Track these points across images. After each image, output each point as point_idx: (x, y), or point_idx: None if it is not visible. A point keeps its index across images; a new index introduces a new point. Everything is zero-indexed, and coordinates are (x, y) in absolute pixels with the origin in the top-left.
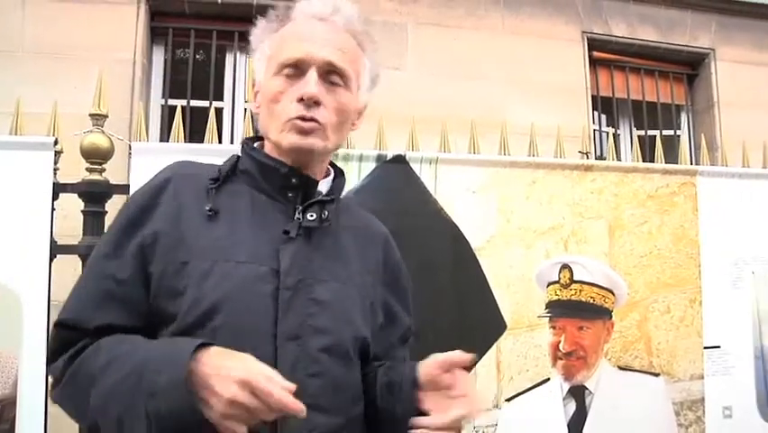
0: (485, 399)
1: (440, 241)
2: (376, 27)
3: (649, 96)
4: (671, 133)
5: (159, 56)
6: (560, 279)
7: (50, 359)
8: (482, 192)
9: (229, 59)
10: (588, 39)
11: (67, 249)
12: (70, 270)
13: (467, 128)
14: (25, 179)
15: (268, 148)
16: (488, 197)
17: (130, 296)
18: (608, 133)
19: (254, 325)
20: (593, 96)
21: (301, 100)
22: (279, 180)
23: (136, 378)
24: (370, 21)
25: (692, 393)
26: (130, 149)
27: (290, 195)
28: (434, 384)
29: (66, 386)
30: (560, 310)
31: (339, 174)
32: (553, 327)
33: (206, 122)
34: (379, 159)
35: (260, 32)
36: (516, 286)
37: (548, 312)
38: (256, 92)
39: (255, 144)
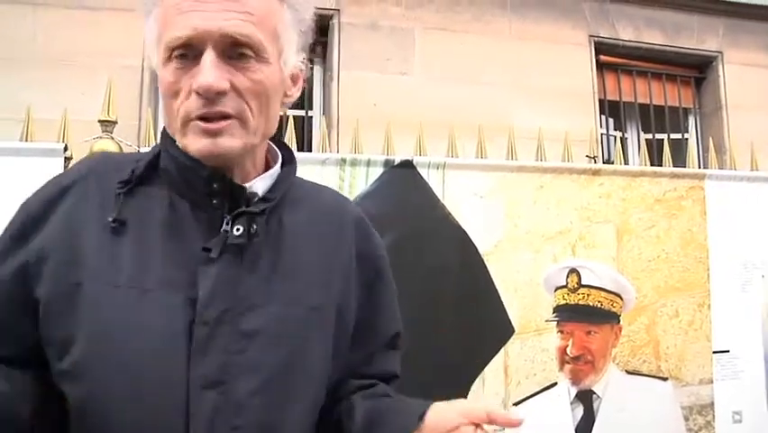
0: (493, 403)
1: (448, 246)
2: (383, 32)
3: (656, 100)
4: (678, 136)
5: None
6: (567, 283)
7: None
8: (490, 197)
9: None
10: (595, 43)
11: None
12: None
13: (474, 133)
14: (35, 185)
15: None
16: (495, 201)
17: (8, 326)
18: (615, 136)
19: (160, 371)
20: (600, 100)
21: (199, 93)
22: (201, 185)
23: None
24: (377, 26)
25: (701, 398)
26: None
27: (215, 202)
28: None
29: None
30: (567, 315)
31: (288, 161)
32: (561, 332)
33: None
34: (387, 164)
35: (146, 1)
36: (524, 290)
37: (556, 316)
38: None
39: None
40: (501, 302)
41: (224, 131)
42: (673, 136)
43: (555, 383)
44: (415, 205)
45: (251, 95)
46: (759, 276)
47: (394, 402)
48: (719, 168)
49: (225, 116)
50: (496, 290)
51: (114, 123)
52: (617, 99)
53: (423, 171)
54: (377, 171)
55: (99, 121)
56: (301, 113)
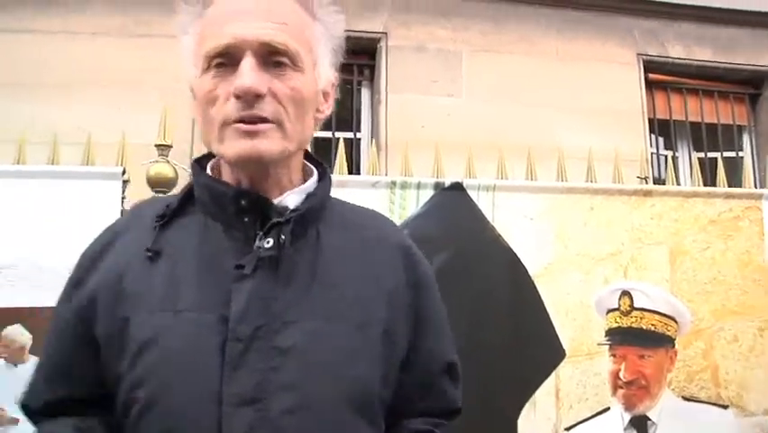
0: (543, 427)
1: (498, 268)
2: (430, 54)
3: (708, 118)
4: (732, 154)
5: None
6: (620, 306)
7: None
8: (540, 219)
9: None
10: (643, 61)
11: None
12: None
13: (523, 154)
14: (95, 207)
15: (221, 163)
16: (545, 223)
17: (75, 365)
18: (666, 156)
19: (194, 389)
20: (650, 120)
21: (238, 97)
22: (230, 204)
23: None
24: (424, 48)
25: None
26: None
27: (247, 220)
28: None
29: None
30: (620, 338)
31: (322, 177)
32: (614, 355)
33: None
34: (437, 186)
35: (183, 19)
36: (575, 313)
37: (608, 340)
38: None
39: (211, 162)
40: (552, 325)
41: (261, 133)
42: (727, 155)
43: (608, 408)
44: (465, 227)
45: (288, 100)
46: None
47: None
48: None
49: (263, 120)
50: (546, 313)
51: (170, 147)
52: (667, 118)
53: (473, 194)
54: (427, 194)
55: (156, 145)
56: (350, 135)
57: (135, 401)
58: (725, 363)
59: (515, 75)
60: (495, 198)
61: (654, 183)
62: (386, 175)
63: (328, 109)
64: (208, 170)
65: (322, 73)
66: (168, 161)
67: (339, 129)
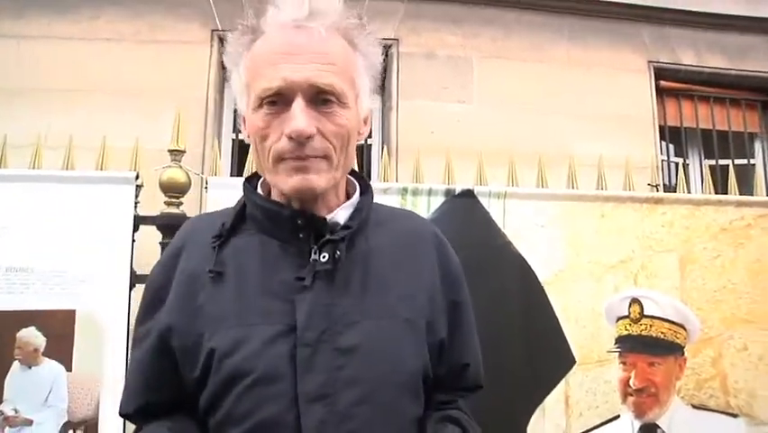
0: None
1: (508, 275)
2: (440, 61)
3: (719, 125)
4: (744, 162)
5: (230, 92)
6: (629, 313)
7: None
8: (551, 226)
9: None
10: (654, 68)
11: (146, 279)
12: None
13: (534, 161)
14: (108, 211)
15: (269, 187)
16: (556, 230)
17: (164, 377)
18: (676, 163)
19: (273, 391)
20: (661, 127)
21: (288, 137)
22: (286, 223)
23: None
24: (434, 55)
25: None
26: (205, 183)
27: (302, 236)
28: None
29: None
30: (630, 345)
31: (364, 190)
32: (623, 363)
33: None
34: (448, 193)
35: (232, 51)
36: (585, 320)
37: (618, 347)
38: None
39: (260, 181)
40: (562, 332)
41: (311, 168)
42: (738, 162)
43: (618, 416)
44: (475, 234)
45: (334, 136)
46: None
47: None
48: None
49: (314, 157)
50: (557, 320)
51: (183, 152)
52: (678, 125)
53: (484, 201)
54: (438, 200)
55: (169, 150)
56: (360, 141)
57: (220, 405)
58: (734, 372)
59: (525, 82)
60: (506, 205)
61: (665, 191)
62: (396, 181)
63: (367, 130)
64: (258, 190)
65: (363, 103)
66: (180, 167)
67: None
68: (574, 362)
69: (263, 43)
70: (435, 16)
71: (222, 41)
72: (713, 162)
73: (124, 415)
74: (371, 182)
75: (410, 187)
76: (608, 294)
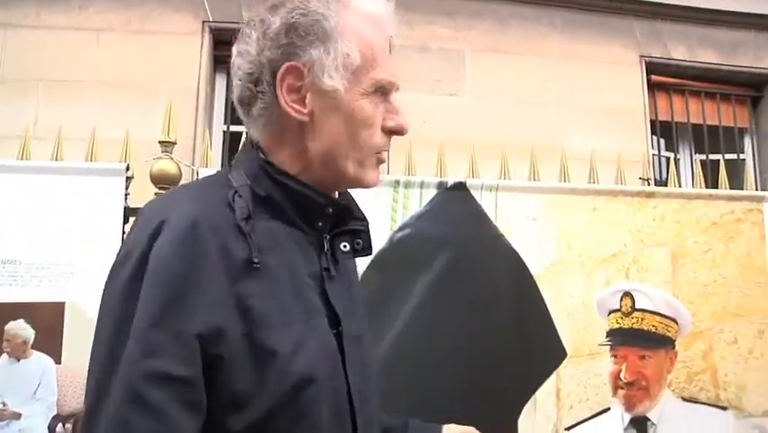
0: (544, 427)
1: (500, 268)
2: (432, 54)
3: (710, 120)
4: (734, 157)
5: (221, 83)
6: (621, 307)
7: None
8: (543, 219)
9: None
10: (646, 63)
11: None
12: None
13: (526, 154)
14: (98, 203)
15: (293, 170)
16: (548, 224)
17: (196, 396)
18: (667, 158)
19: (336, 386)
20: (652, 121)
21: (394, 133)
22: (314, 211)
23: None
24: (426, 48)
25: (767, 431)
26: (196, 174)
27: (320, 224)
28: None
29: None
30: (621, 339)
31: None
32: (614, 356)
33: None
34: (440, 186)
35: (332, 13)
36: (576, 314)
37: (609, 340)
38: (303, 95)
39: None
40: (553, 325)
41: None
42: (728, 157)
43: (608, 409)
44: (467, 227)
45: None
46: None
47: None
48: None
49: None
50: (548, 313)
51: (174, 143)
52: (669, 120)
53: (476, 194)
54: (430, 193)
55: (160, 142)
56: None
57: (284, 411)
58: (724, 365)
59: (518, 75)
60: (498, 198)
61: (656, 185)
62: (388, 174)
63: None
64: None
65: None
66: (171, 158)
67: None
68: (565, 355)
69: (376, 30)
70: (428, 9)
71: (213, 32)
72: (703, 157)
73: None
74: None
75: (402, 179)
76: (599, 287)
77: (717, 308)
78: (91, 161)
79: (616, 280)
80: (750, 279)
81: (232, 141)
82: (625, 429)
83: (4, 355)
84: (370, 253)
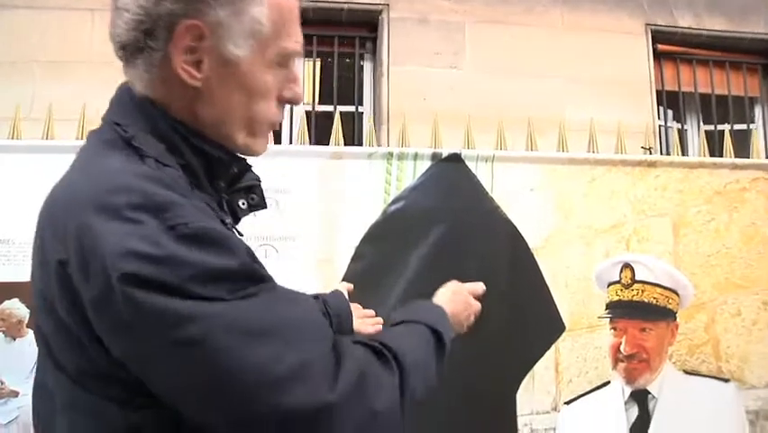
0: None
1: (496, 240)
2: (432, 26)
3: (719, 89)
4: (743, 127)
5: None
6: (621, 279)
7: None
8: (540, 190)
9: None
10: (652, 31)
11: None
12: None
13: (526, 127)
14: None
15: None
16: (545, 194)
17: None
18: (674, 128)
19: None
20: (658, 91)
21: (290, 103)
22: (222, 172)
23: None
24: (426, 20)
25: None
26: None
27: (223, 184)
28: None
29: None
30: (621, 311)
31: None
32: (614, 329)
33: None
34: (434, 157)
35: None
36: (575, 286)
37: (608, 313)
38: (199, 57)
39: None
40: (552, 298)
41: None
42: (737, 127)
43: (608, 382)
44: (462, 199)
45: None
46: None
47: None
48: None
49: None
50: (546, 286)
51: None
52: (676, 89)
53: (471, 165)
54: (424, 165)
55: None
56: (351, 108)
57: None
58: (726, 337)
59: (519, 46)
60: (494, 169)
61: (662, 155)
62: (388, 146)
63: None
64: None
65: None
66: None
67: (340, 103)
68: (564, 328)
69: None
70: None
71: None
72: (711, 127)
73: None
74: (357, 148)
75: (395, 151)
76: (598, 259)
77: (720, 279)
78: (82, 139)
79: (616, 252)
80: (754, 249)
81: None
82: (625, 403)
83: (0, 335)
84: (266, 207)
